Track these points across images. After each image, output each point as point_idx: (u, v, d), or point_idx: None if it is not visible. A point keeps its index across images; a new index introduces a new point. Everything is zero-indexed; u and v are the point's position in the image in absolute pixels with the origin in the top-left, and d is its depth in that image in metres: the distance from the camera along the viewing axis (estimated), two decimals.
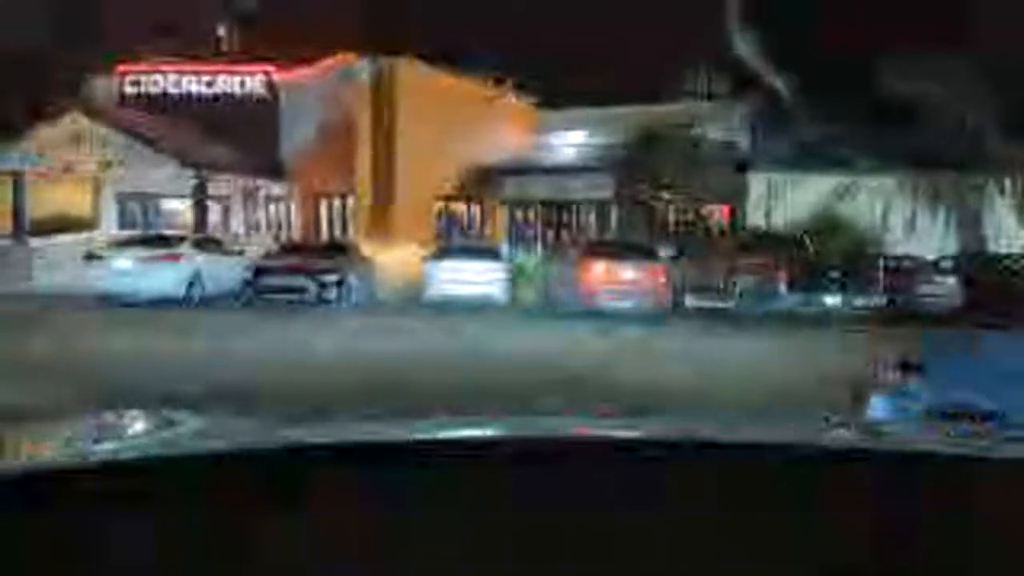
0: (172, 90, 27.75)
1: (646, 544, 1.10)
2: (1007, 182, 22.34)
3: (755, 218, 24.43)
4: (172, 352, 11.37)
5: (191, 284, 17.23)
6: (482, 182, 28.10)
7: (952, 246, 21.80)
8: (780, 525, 1.12)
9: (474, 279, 17.83)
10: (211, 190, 24.85)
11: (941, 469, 1.23)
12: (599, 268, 17.73)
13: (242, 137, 26.18)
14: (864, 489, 1.17)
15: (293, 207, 27.84)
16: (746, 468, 1.20)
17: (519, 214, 28.83)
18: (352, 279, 17.94)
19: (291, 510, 1.11)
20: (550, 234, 28.13)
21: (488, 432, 1.40)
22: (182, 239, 18.91)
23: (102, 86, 27.75)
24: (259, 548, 1.09)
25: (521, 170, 27.68)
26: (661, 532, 1.11)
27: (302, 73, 27.45)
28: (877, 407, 4.30)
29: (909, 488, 1.17)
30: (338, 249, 20.23)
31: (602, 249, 19.28)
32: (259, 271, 17.99)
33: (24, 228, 23.93)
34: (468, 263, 18.18)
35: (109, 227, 23.77)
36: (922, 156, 21.64)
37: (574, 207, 28.07)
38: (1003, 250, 21.13)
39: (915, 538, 1.12)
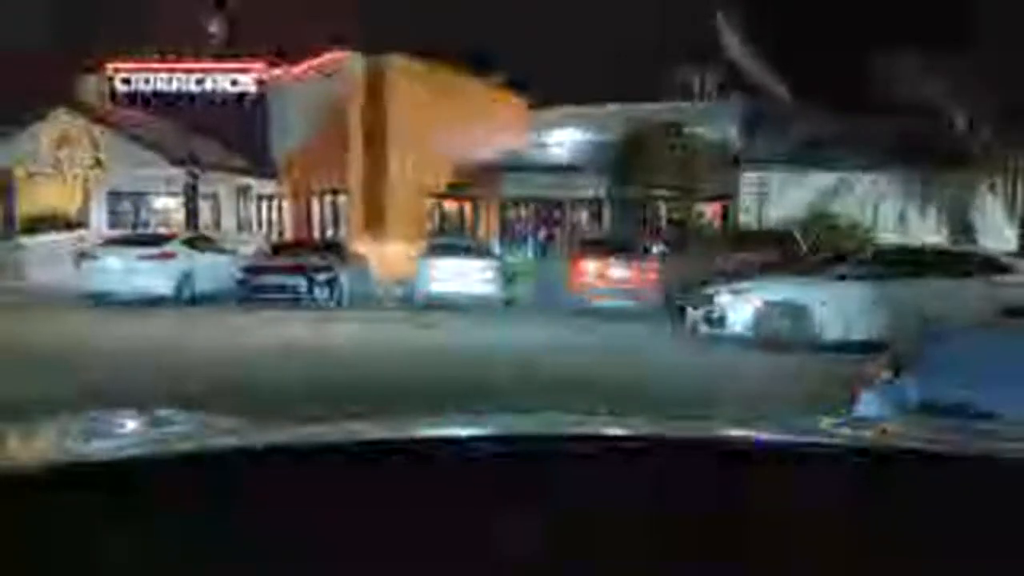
0: (163, 88, 27.64)
1: (646, 544, 1.11)
2: (998, 181, 22.42)
3: (747, 216, 24.47)
4: (155, 348, 11.36)
5: (183, 283, 17.17)
6: (475, 180, 28.10)
7: (942, 242, 21.86)
8: (779, 524, 1.12)
9: (467, 277, 17.82)
10: (202, 188, 24.77)
11: (940, 469, 1.24)
12: (591, 266, 17.73)
13: (234, 135, 26.12)
14: (864, 489, 1.17)
15: (286, 205, 27.78)
16: (745, 468, 1.20)
17: (512, 212, 28.87)
18: (344, 277, 17.91)
19: (290, 510, 1.11)
20: (542, 232, 28.18)
21: (486, 431, 1.40)
22: (174, 237, 18.83)
23: (92, 84, 27.65)
24: (258, 548, 1.10)
25: (514, 167, 27.68)
26: (661, 532, 1.12)
27: (294, 70, 27.39)
28: (868, 403, 4.31)
29: (909, 487, 1.17)
30: (331, 247, 20.18)
31: (594, 247, 19.25)
32: (251, 269, 17.94)
33: (14, 227, 23.86)
34: (460, 261, 18.16)
35: (100, 225, 23.69)
36: (913, 154, 21.74)
37: (566, 205, 28.11)
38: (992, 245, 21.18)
39: (915, 537, 1.13)
